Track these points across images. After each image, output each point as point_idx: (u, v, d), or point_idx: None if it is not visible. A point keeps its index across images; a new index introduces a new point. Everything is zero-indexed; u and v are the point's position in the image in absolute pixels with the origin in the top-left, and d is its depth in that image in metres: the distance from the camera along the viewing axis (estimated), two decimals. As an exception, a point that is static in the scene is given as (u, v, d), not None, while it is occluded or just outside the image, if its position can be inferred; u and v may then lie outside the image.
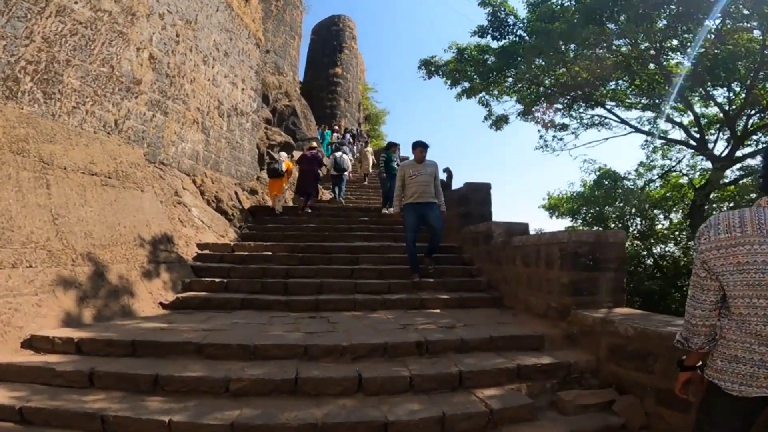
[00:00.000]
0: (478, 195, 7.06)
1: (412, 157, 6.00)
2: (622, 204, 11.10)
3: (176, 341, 3.18)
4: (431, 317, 4.44)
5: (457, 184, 9.85)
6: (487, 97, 12.34)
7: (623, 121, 11.90)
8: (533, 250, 4.51)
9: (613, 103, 12.35)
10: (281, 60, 19.45)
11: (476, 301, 5.29)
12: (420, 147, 5.67)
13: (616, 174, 12.04)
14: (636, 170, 12.45)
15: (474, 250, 6.39)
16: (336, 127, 18.39)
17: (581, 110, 12.65)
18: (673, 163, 12.73)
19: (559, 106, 12.45)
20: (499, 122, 12.48)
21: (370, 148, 15.22)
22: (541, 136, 12.73)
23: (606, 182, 11.89)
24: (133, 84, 6.13)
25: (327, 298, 4.94)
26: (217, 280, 5.22)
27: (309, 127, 16.30)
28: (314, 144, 11.52)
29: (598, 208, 11.77)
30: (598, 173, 12.05)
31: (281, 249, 6.41)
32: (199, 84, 8.05)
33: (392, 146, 9.88)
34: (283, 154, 9.86)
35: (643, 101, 12.00)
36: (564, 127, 13.01)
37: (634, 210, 10.92)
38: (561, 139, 12.61)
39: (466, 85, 12.04)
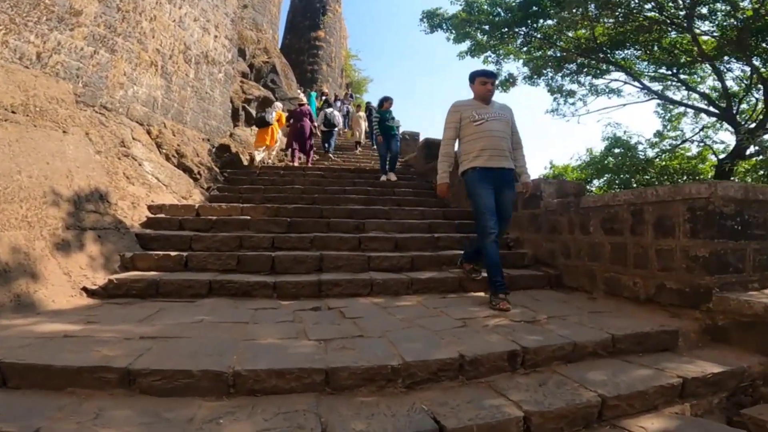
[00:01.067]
0: None
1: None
2: (633, 172, 10.12)
3: (84, 365, 1.70)
4: (488, 305, 3.12)
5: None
6: (493, 56, 10.96)
7: (645, 87, 10.75)
8: (627, 211, 3.24)
9: (622, 72, 11.22)
10: (260, 16, 17.22)
11: (527, 280, 4.03)
12: (484, 77, 3.32)
13: (628, 142, 11.01)
14: (648, 140, 11.41)
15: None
16: (325, 90, 16.59)
17: (592, 76, 11.44)
18: (688, 134, 11.81)
19: (566, 71, 11.23)
20: (507, 84, 11.15)
21: (362, 113, 12.91)
22: (555, 99, 11.46)
23: (617, 150, 10.88)
24: (69, 15, 4.93)
25: (332, 279, 3.53)
26: (173, 253, 3.69)
27: (290, 87, 14.42)
28: (304, 100, 10.13)
29: (608, 176, 10.77)
30: (608, 140, 10.99)
31: (263, 212, 4.91)
32: (161, 23, 6.52)
33: (386, 101, 7.89)
34: (278, 105, 9.03)
35: (660, 70, 10.92)
36: (571, 93, 11.83)
37: (650, 180, 9.95)
38: (573, 104, 11.41)
39: (471, 42, 10.71)
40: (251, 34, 14.92)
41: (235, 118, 8.78)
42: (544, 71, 10.61)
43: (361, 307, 3.04)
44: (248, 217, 4.65)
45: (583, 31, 9.81)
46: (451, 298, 3.42)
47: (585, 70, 11.00)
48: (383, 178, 7.54)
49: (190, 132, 6.83)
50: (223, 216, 4.72)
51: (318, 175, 7.78)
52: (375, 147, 8.52)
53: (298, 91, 15.25)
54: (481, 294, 3.66)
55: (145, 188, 4.89)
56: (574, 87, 11.82)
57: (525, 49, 10.69)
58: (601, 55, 9.93)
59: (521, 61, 11.35)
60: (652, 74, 11.19)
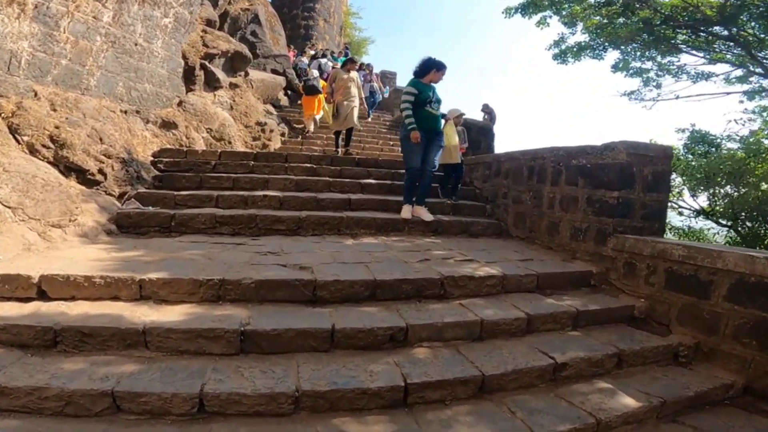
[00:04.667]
0: (649, 168, 3.19)
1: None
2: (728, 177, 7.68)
3: None
4: None
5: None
6: (554, 17, 8.25)
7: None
8: None
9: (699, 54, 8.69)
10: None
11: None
12: None
13: (712, 138, 8.53)
14: (738, 136, 8.90)
15: (675, 300, 2.68)
16: (355, 59, 13.54)
17: (668, 54, 8.83)
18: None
19: (636, 45, 8.64)
20: (570, 53, 8.50)
21: (355, 75, 6.46)
22: (643, 79, 8.86)
23: (699, 148, 8.43)
24: None
25: None
26: None
27: (276, 42, 11.43)
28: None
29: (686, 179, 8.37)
30: (689, 135, 8.51)
31: (188, 290, 2.31)
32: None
33: (431, 68, 3.99)
34: (315, 72, 7.99)
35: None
36: (639, 72, 9.25)
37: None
38: (658, 86, 8.81)
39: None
40: (229, -28, 11.76)
41: (189, 80, 6.03)
42: (622, 43, 7.97)
43: None
44: (146, 318, 2.09)
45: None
46: None
47: (662, 45, 8.38)
48: (407, 213, 4.12)
49: (94, 102, 4.14)
50: (90, 306, 2.15)
51: (306, 169, 5.19)
52: (401, 147, 4.48)
53: (312, 51, 12.27)
54: None
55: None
56: (640, 63, 9.27)
57: (602, 11, 7.98)
58: (715, 29, 7.33)
59: (581, 26, 8.64)
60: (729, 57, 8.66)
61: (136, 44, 5.03)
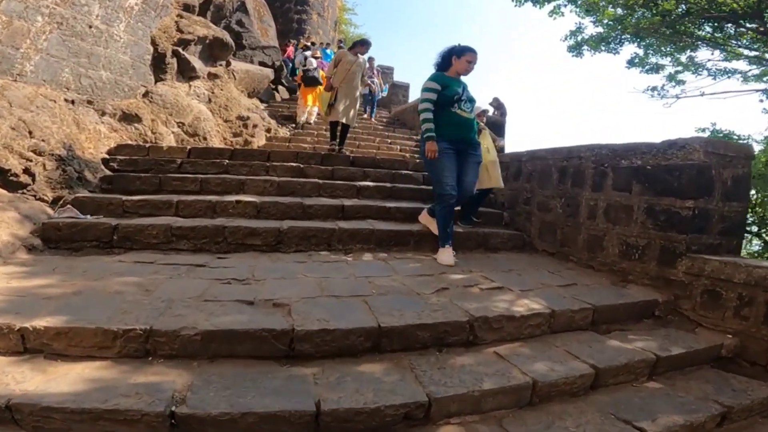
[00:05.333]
0: (729, 171, 2.49)
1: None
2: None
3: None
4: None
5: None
6: (569, 5, 7.63)
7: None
8: None
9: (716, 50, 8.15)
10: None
11: None
12: None
13: (736, 138, 7.90)
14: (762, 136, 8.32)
15: None
16: (368, 42, 12.60)
17: (689, 50, 8.26)
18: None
19: (654, 39, 8.06)
20: (588, 44, 7.89)
21: (363, 61, 5.44)
22: (669, 74, 8.27)
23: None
24: None
25: None
26: None
27: (265, 33, 10.70)
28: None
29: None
30: (710, 135, 7.87)
31: (97, 342, 1.56)
32: None
33: (451, 54, 3.04)
34: (313, 61, 7.41)
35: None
36: (656, 68, 8.66)
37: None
38: (682, 83, 8.20)
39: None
40: (215, -41, 10.99)
41: (158, 68, 5.25)
42: (642, 35, 7.36)
43: None
44: (19, 385, 1.31)
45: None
46: None
47: (680, 40, 7.78)
48: (448, 258, 2.90)
49: (28, 90, 3.36)
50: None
51: (291, 169, 4.44)
52: (424, 165, 3.50)
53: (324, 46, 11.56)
54: None
55: None
56: (657, 59, 8.68)
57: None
58: (747, 22, 6.75)
59: (595, 17, 8.01)
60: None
61: (90, 26, 4.26)
